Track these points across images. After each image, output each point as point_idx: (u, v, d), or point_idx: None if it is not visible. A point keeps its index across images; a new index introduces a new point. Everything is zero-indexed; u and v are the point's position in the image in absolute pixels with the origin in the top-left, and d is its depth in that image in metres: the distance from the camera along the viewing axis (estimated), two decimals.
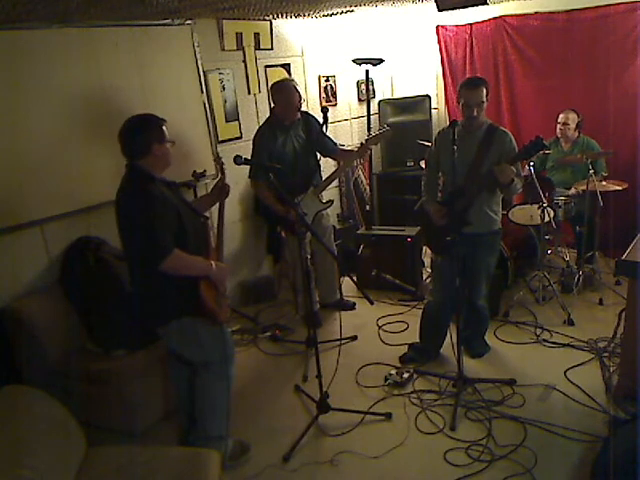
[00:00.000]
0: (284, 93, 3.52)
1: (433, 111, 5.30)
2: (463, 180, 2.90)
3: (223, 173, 2.83)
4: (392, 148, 5.19)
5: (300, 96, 3.56)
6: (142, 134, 2.25)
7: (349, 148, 3.98)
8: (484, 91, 2.84)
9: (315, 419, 2.89)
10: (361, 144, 3.75)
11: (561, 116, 4.25)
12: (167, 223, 2.20)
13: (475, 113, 2.85)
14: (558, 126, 4.26)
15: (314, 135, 3.65)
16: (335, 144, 3.82)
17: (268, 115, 3.76)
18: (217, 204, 2.79)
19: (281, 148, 3.56)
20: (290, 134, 3.60)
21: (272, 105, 3.69)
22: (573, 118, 4.21)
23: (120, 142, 2.26)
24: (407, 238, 4.26)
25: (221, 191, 2.77)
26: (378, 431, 2.83)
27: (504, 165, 2.74)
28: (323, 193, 3.77)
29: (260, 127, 3.66)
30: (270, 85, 3.68)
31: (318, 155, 3.79)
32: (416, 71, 5.59)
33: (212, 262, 2.38)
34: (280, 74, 4.48)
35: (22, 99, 2.89)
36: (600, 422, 2.70)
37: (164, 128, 2.31)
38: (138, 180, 2.24)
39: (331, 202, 3.81)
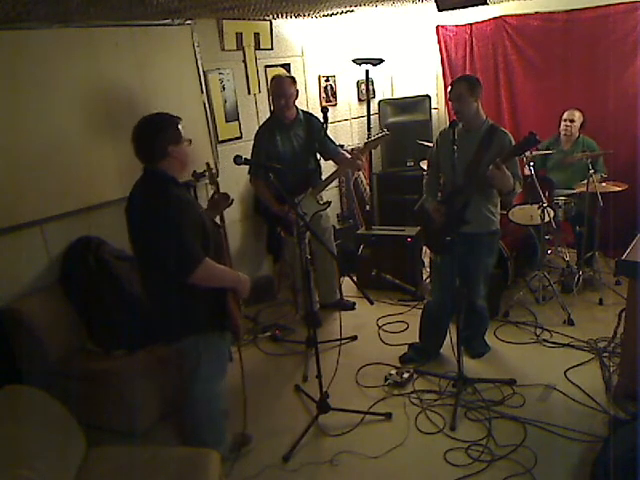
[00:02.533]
0: (273, 84, 3.55)
1: (433, 111, 5.31)
2: (461, 179, 2.90)
3: (217, 184, 2.70)
4: (392, 148, 5.19)
5: (290, 88, 3.51)
6: (157, 136, 2.12)
7: (350, 149, 3.96)
8: (464, 86, 2.86)
9: (315, 419, 2.89)
10: (362, 148, 3.74)
11: (567, 113, 4.24)
12: (196, 230, 2.10)
13: (455, 107, 2.90)
14: (563, 123, 4.25)
15: (315, 136, 3.64)
16: (337, 147, 3.82)
17: (269, 114, 3.76)
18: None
19: (280, 147, 3.56)
20: (290, 134, 3.60)
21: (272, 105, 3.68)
22: (579, 116, 4.22)
23: (134, 146, 2.14)
24: (407, 238, 4.26)
25: (218, 203, 2.63)
26: (378, 431, 2.83)
27: (494, 170, 2.68)
28: (323, 194, 3.77)
29: (260, 126, 3.67)
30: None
31: (318, 156, 3.78)
32: (416, 71, 5.60)
33: (239, 272, 2.28)
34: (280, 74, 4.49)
35: (22, 99, 2.89)
36: (600, 422, 2.70)
37: (180, 127, 2.18)
38: (160, 185, 2.12)
39: (328, 204, 3.77)
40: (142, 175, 2.19)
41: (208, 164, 2.89)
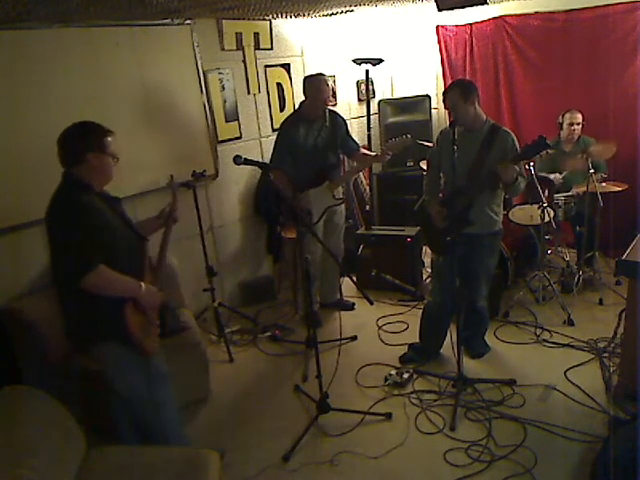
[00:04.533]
0: (316, 87, 3.61)
1: (433, 111, 5.30)
2: (464, 180, 2.91)
3: (175, 198, 2.66)
4: None
5: (329, 90, 3.68)
6: (79, 141, 2.11)
7: (368, 152, 4.06)
8: (457, 93, 2.88)
9: (315, 419, 2.89)
10: (381, 150, 3.78)
11: (568, 116, 4.18)
12: (94, 236, 2.05)
13: (453, 114, 2.91)
14: (569, 127, 4.18)
15: (339, 134, 3.77)
16: (358, 146, 3.93)
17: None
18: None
19: (302, 141, 3.63)
20: (313, 128, 3.68)
21: (303, 98, 3.73)
22: (581, 117, 4.17)
23: (57, 148, 2.13)
24: (407, 238, 4.26)
25: (168, 217, 2.57)
26: (378, 431, 2.83)
27: (507, 164, 2.73)
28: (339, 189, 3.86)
29: (285, 120, 3.75)
30: (303, 78, 3.75)
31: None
32: (416, 71, 5.59)
33: (142, 283, 2.20)
34: (280, 74, 4.49)
35: (22, 99, 2.89)
36: (600, 422, 2.70)
37: (108, 139, 2.15)
38: (70, 189, 2.11)
39: (343, 200, 3.87)
40: (60, 180, 2.17)
41: (172, 176, 2.88)
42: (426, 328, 3.40)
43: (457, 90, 2.88)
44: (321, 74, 3.70)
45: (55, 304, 2.88)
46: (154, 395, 2.32)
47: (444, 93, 2.98)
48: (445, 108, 3.02)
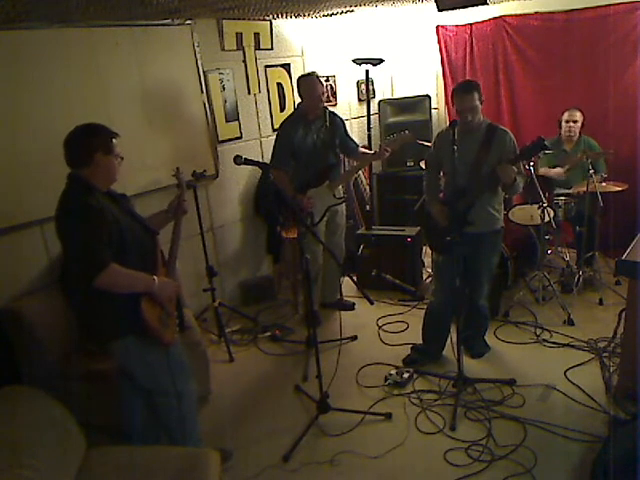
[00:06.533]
0: (309, 85, 3.62)
1: (433, 111, 5.30)
2: (464, 180, 2.91)
3: (182, 189, 2.66)
4: None
5: (323, 87, 3.70)
6: (86, 141, 2.14)
7: (368, 151, 4.07)
8: (475, 96, 2.84)
9: (315, 419, 2.89)
10: (380, 147, 3.77)
11: (567, 114, 4.19)
12: (103, 236, 2.06)
13: (469, 118, 2.87)
14: (566, 125, 4.19)
15: (338, 135, 3.79)
16: (357, 146, 3.95)
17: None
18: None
19: (300, 140, 3.65)
20: (312, 128, 3.69)
21: (300, 100, 3.77)
22: (580, 116, 4.18)
23: (64, 150, 2.15)
24: (407, 238, 4.27)
25: (177, 209, 2.57)
26: (378, 431, 2.83)
27: (506, 165, 2.74)
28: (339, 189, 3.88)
29: (284, 120, 3.77)
30: (297, 78, 3.76)
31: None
32: (416, 71, 5.60)
33: (154, 277, 2.20)
34: (280, 74, 4.50)
35: (22, 99, 2.89)
36: (600, 422, 2.70)
37: (113, 141, 2.18)
38: (75, 190, 2.14)
39: (344, 198, 3.88)
40: (66, 182, 2.19)
41: (178, 168, 2.89)
42: (429, 328, 3.38)
43: (477, 94, 2.85)
44: (313, 73, 3.70)
45: (55, 304, 2.92)
46: (176, 385, 2.34)
47: (459, 94, 2.87)
48: (460, 112, 2.89)
